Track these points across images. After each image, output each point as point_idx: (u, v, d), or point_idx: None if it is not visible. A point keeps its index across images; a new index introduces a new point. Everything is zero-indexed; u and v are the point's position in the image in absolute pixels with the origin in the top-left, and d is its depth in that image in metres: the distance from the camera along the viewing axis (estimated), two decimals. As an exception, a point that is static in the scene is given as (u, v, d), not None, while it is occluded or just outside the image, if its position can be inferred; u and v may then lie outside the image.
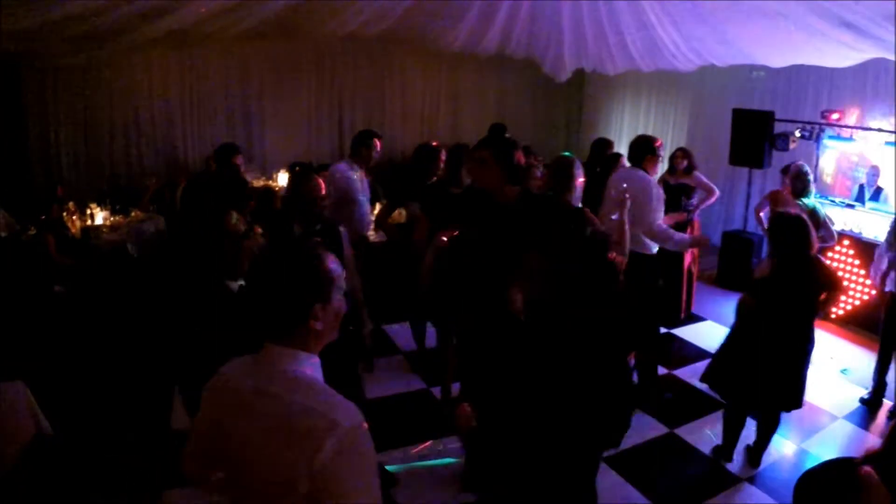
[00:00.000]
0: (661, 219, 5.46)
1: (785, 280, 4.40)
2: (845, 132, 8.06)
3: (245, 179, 5.80)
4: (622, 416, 2.45)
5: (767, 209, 6.98)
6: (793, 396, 4.61)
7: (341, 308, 1.95)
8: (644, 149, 5.55)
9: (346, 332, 4.10)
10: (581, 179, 4.91)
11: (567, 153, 5.31)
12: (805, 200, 6.59)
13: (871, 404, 5.82)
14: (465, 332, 4.34)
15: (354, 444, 1.72)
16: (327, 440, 1.67)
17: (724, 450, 4.98)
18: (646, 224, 5.31)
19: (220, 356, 2.01)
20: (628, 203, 4.93)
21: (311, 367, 1.87)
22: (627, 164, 6.09)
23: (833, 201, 8.08)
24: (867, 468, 2.47)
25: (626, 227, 4.88)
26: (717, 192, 7.80)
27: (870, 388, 5.89)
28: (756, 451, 4.93)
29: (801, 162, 7.09)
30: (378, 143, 6.25)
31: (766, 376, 4.49)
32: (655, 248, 5.64)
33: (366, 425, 1.77)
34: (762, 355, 4.48)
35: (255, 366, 1.88)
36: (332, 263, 1.93)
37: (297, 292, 1.83)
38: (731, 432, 4.93)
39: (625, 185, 5.28)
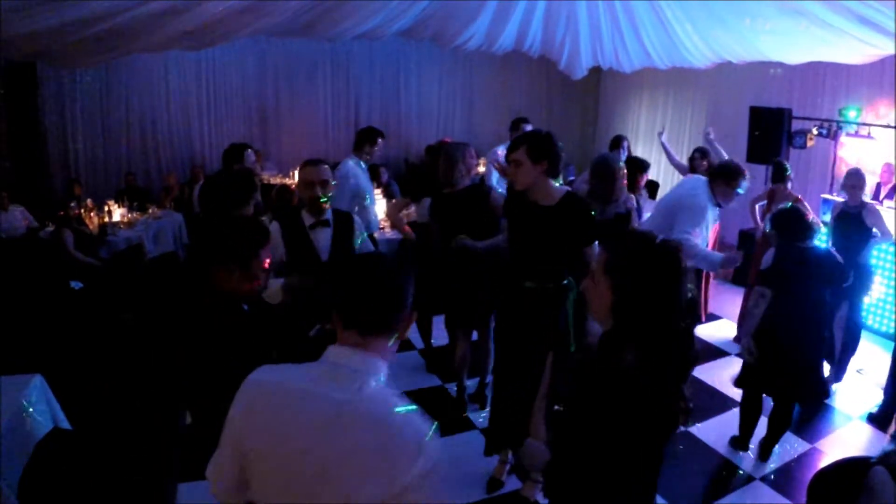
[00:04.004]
0: (690, 234, 5.01)
1: (788, 270, 4.49)
2: (863, 129, 7.99)
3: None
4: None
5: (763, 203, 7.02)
6: (815, 389, 4.66)
7: None
8: (717, 172, 5.20)
9: None
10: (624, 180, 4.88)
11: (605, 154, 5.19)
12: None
13: (878, 420, 5.47)
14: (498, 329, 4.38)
15: (437, 471, 1.65)
16: (416, 464, 1.59)
17: (741, 440, 4.99)
18: (675, 234, 4.98)
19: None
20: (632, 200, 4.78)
21: (385, 377, 1.77)
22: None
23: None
24: (880, 468, 2.48)
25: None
26: None
27: (880, 402, 5.58)
28: (767, 445, 4.92)
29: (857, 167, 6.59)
30: (381, 142, 6.24)
31: (787, 367, 4.51)
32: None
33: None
34: (780, 346, 4.51)
35: (331, 375, 1.70)
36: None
37: (406, 289, 1.78)
38: (748, 420, 4.94)
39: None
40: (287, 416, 1.66)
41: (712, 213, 5.24)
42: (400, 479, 1.58)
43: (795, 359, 4.50)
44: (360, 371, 1.70)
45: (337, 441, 1.61)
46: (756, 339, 4.70)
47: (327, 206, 4.03)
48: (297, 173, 4.03)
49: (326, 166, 4.05)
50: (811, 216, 5.30)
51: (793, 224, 4.60)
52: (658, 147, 9.09)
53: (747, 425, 4.97)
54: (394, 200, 5.69)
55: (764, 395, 4.85)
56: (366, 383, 1.69)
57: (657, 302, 1.97)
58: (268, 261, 2.83)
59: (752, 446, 5.01)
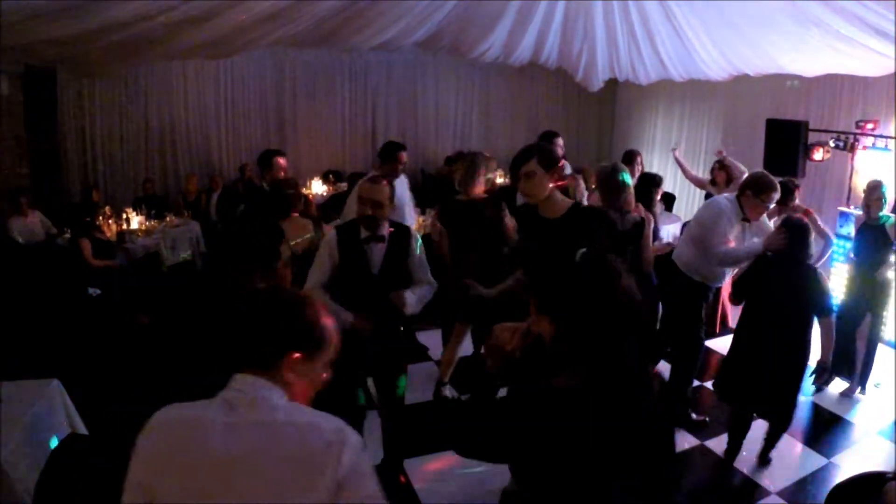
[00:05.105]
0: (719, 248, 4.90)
1: (777, 282, 4.45)
2: (881, 142, 7.93)
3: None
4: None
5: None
6: (779, 408, 4.66)
7: (319, 379, 1.84)
8: (746, 183, 4.99)
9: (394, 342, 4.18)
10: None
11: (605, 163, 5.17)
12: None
13: None
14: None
15: (361, 451, 1.71)
16: (344, 453, 1.65)
17: (730, 453, 4.98)
18: (709, 252, 4.95)
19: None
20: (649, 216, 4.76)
21: (284, 400, 1.74)
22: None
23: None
24: (897, 482, 2.46)
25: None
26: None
27: None
28: (766, 449, 4.96)
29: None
30: (402, 155, 6.24)
31: (766, 378, 4.50)
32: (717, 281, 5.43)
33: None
34: (760, 357, 4.51)
35: (228, 403, 1.71)
36: (331, 326, 1.82)
37: (277, 326, 1.74)
38: (736, 435, 4.93)
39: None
40: (196, 451, 1.66)
41: (741, 227, 5.06)
42: (327, 481, 1.62)
43: (764, 371, 4.49)
44: (254, 396, 1.69)
45: (245, 464, 1.63)
46: (735, 343, 4.81)
47: (380, 223, 4.00)
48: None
49: (385, 187, 3.96)
50: (818, 231, 5.25)
51: (794, 240, 4.43)
52: (674, 160, 9.05)
53: (735, 440, 4.96)
54: (437, 227, 5.66)
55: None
56: (260, 407, 1.68)
57: (593, 329, 1.97)
58: (288, 256, 2.87)
59: (771, 460, 5.00)
